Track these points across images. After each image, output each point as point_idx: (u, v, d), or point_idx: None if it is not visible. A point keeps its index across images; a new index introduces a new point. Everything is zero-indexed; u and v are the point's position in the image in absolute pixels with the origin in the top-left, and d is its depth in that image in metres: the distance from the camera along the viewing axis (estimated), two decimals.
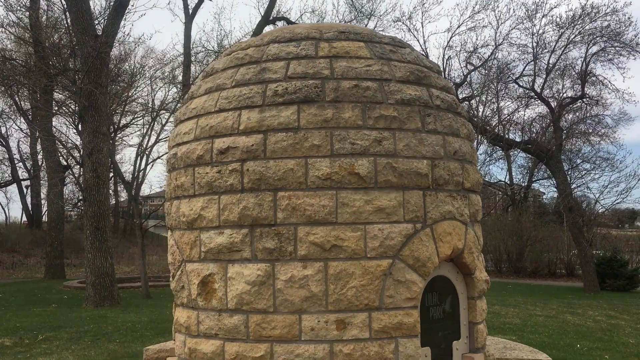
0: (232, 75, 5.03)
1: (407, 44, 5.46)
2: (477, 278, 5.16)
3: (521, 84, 26.11)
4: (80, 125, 23.05)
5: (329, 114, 4.63)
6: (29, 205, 37.04)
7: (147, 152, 19.60)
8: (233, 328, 4.62)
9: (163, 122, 30.19)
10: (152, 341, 10.02)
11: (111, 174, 25.42)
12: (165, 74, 28.66)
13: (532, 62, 24.96)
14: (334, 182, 4.55)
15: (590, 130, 28.15)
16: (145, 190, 39.17)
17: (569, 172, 26.31)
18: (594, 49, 23.94)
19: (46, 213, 29.60)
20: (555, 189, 27.55)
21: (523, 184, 36.45)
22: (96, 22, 17.50)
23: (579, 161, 28.84)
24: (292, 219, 4.56)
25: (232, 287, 4.65)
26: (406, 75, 4.94)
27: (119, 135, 34.11)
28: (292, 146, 4.61)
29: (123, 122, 32.55)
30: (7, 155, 33.42)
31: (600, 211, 25.88)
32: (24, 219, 39.91)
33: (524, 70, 25.89)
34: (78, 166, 25.24)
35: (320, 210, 4.53)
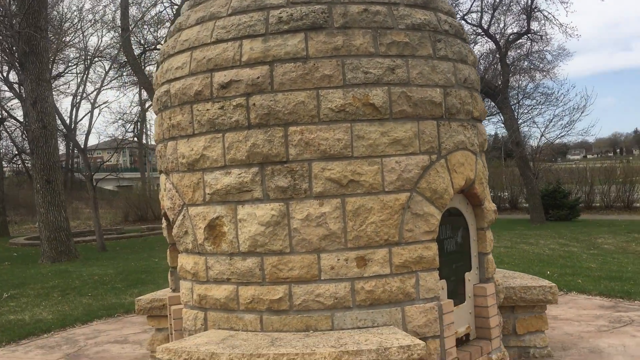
0: (227, 3, 4.63)
1: None
2: (486, 209, 5.09)
3: (469, 21, 26.10)
4: (10, 74, 21.68)
5: (339, 41, 4.34)
6: None
7: (92, 102, 18.65)
8: (247, 272, 4.40)
9: (106, 69, 28.91)
10: (125, 293, 9.73)
11: None
12: (101, 17, 27.15)
13: None
14: (348, 114, 4.31)
15: (532, 67, 28.60)
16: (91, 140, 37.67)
17: (516, 108, 26.77)
18: None
19: None
20: (502, 125, 28.03)
21: None
22: None
23: (520, 97, 29.36)
24: (306, 155, 4.31)
25: (244, 229, 4.40)
26: None
27: (53, 84, 32.41)
28: (302, 77, 4.32)
29: (55, 71, 30.88)
30: None
31: (545, 144, 26.57)
32: None
33: (471, 7, 25.86)
34: (12, 119, 23.89)
35: (335, 144, 4.30)
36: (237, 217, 4.44)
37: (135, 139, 42.41)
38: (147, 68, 29.93)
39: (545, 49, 28.01)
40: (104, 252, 16.94)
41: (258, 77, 4.36)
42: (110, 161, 47.13)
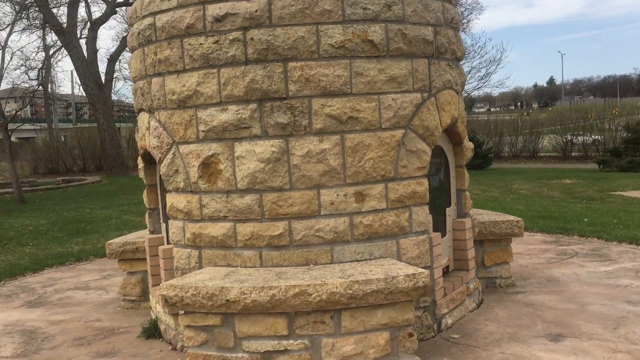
0: None
1: None
2: (465, 147, 5.31)
3: None
4: None
5: None
6: None
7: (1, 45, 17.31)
8: (245, 208, 4.40)
9: (11, 10, 26.81)
10: (69, 242, 9.41)
11: None
12: None
13: None
14: (348, 51, 4.33)
15: None
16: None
17: None
18: None
19: None
20: None
21: None
22: None
23: None
24: (306, 91, 4.30)
25: (242, 166, 4.37)
26: None
27: None
28: (302, 12, 4.27)
29: None
30: None
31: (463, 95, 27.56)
32: None
33: None
34: None
35: (335, 80, 4.31)
36: (234, 154, 4.39)
37: (40, 87, 39.93)
38: (55, 10, 28.08)
39: (460, 1, 28.80)
40: (24, 204, 16.13)
41: (256, 11, 4.27)
42: (10, 110, 44.30)
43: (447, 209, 5.25)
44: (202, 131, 4.45)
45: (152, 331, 5.08)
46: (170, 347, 4.79)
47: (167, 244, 5.28)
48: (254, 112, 4.33)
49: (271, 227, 4.38)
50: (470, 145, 5.40)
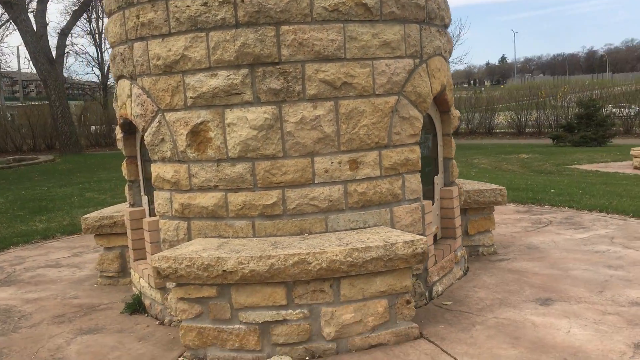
0: None
1: None
2: (453, 115, 5.28)
3: None
4: None
5: None
6: None
7: None
8: (237, 177, 4.26)
9: None
10: (32, 220, 9.06)
11: None
12: None
13: None
14: (341, 14, 4.21)
15: None
16: None
17: None
18: None
19: None
20: None
21: None
22: None
23: None
24: (299, 56, 4.17)
25: (234, 133, 4.22)
26: None
27: None
28: None
29: None
30: None
31: None
32: None
33: None
34: None
35: (329, 45, 4.20)
36: (225, 121, 4.24)
37: None
38: None
39: None
40: None
41: None
42: None
43: (435, 177, 5.23)
44: (191, 98, 4.28)
45: (136, 306, 4.92)
46: (157, 322, 4.66)
47: (150, 216, 5.10)
48: (245, 78, 4.18)
49: (264, 196, 4.26)
50: (457, 113, 5.39)
